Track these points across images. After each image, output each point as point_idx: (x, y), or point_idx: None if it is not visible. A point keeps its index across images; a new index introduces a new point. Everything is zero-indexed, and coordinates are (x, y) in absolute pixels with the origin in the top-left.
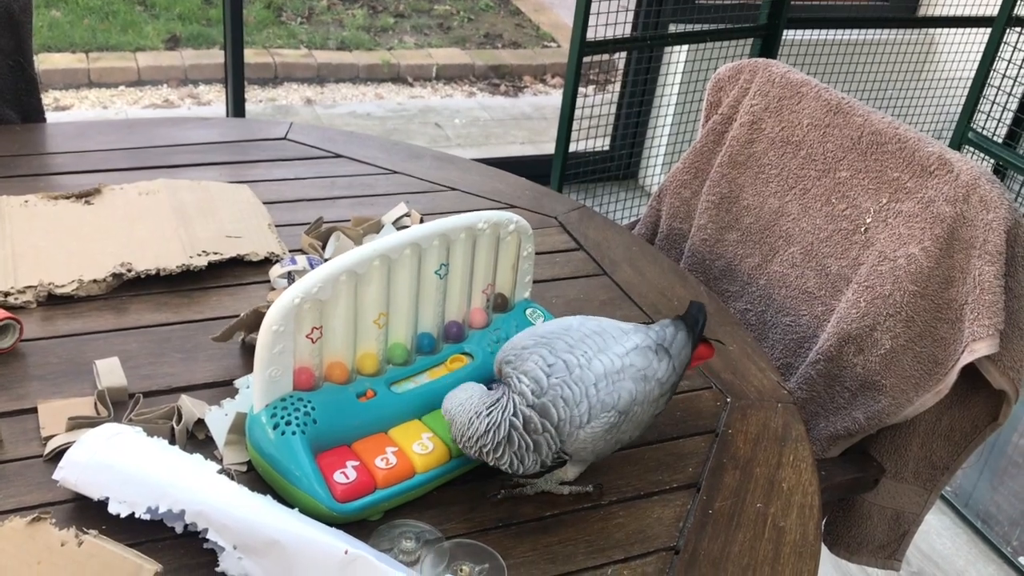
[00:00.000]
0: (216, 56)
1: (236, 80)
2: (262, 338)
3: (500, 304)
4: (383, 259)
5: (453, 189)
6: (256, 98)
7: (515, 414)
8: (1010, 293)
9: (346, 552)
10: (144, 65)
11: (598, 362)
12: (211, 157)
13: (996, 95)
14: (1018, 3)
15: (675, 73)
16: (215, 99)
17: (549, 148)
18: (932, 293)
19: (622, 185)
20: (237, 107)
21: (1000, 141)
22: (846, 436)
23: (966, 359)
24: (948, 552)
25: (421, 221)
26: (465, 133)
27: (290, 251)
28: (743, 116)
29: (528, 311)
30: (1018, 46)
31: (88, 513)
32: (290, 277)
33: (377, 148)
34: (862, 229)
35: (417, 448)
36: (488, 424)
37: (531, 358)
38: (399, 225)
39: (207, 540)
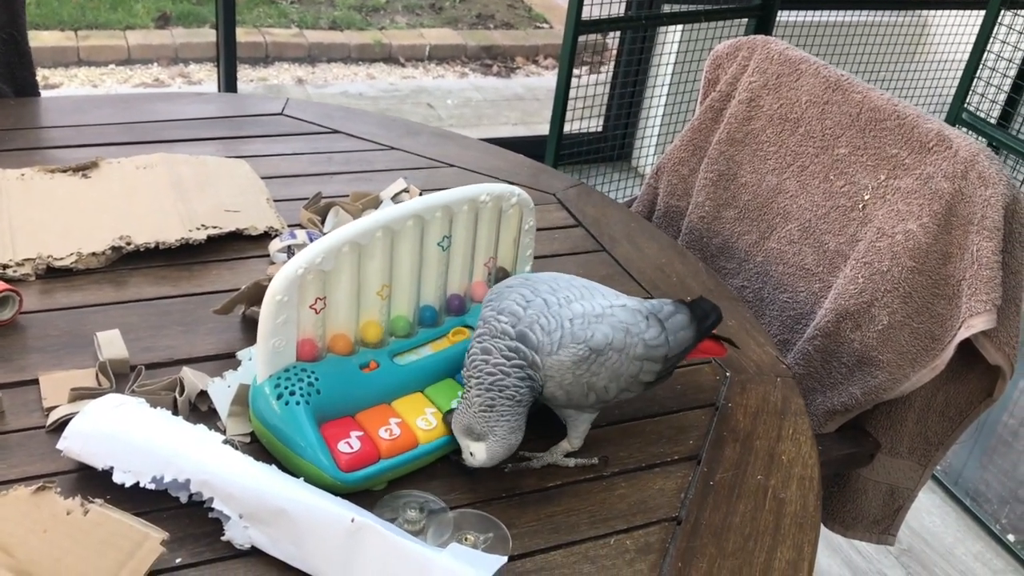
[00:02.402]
0: (206, 35)
1: (228, 59)
2: (266, 308)
3: (502, 277)
4: (386, 230)
5: (451, 166)
6: (247, 77)
7: (503, 350)
8: (1007, 269)
9: (352, 520)
10: (134, 44)
11: (578, 305)
12: (208, 132)
13: (991, 76)
14: None
15: (669, 53)
16: (206, 78)
17: (541, 129)
18: (930, 269)
19: (615, 166)
20: (229, 86)
21: (993, 122)
22: (843, 411)
23: (963, 334)
24: (938, 529)
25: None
26: (458, 114)
27: (289, 226)
28: (741, 93)
29: None
30: (1013, 27)
31: (92, 483)
32: (290, 251)
33: (375, 124)
34: (860, 206)
35: (420, 420)
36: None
37: (511, 296)
38: (398, 200)
39: (212, 510)
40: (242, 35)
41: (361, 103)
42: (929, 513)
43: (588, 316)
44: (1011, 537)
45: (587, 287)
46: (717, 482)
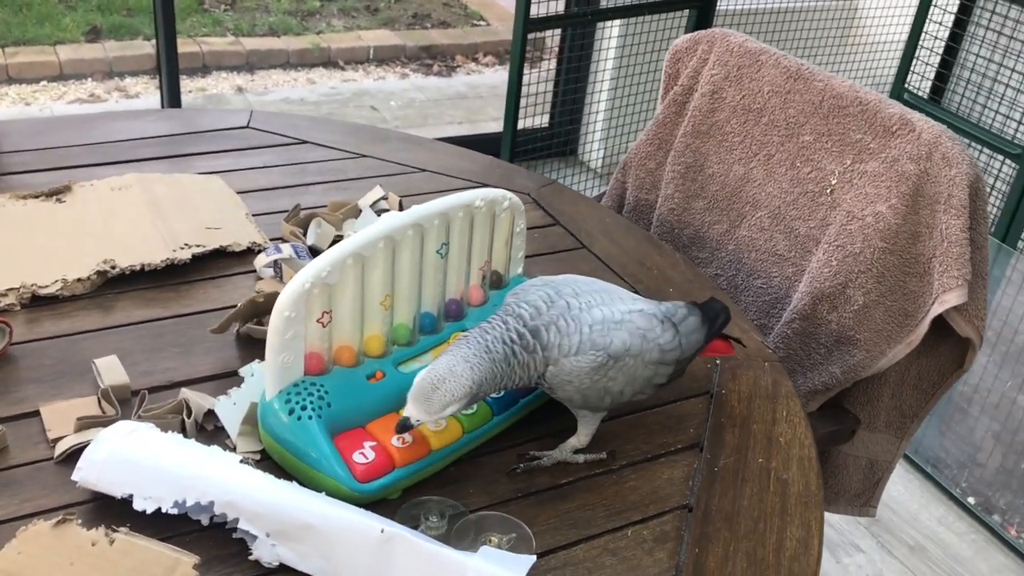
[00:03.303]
0: (140, 47)
1: (171, 70)
2: (274, 324)
3: (495, 281)
4: (388, 240)
5: (423, 170)
6: (185, 88)
7: (510, 330)
8: (973, 245)
9: (382, 531)
10: (65, 59)
11: (598, 310)
12: (175, 149)
13: (928, 56)
14: None
15: (608, 48)
16: (143, 91)
17: (488, 127)
18: (901, 249)
19: (565, 161)
20: (173, 98)
21: (926, 98)
22: (823, 391)
23: (937, 310)
24: (902, 497)
25: (400, 204)
26: (402, 115)
27: (271, 239)
28: (704, 86)
29: None
30: (947, 8)
31: (110, 512)
32: (276, 266)
33: (342, 132)
34: (828, 191)
35: (431, 425)
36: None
37: (536, 293)
38: (377, 208)
39: (236, 530)
40: (178, 46)
41: (303, 109)
42: (893, 482)
43: (608, 322)
44: (971, 500)
45: (606, 291)
46: (721, 468)
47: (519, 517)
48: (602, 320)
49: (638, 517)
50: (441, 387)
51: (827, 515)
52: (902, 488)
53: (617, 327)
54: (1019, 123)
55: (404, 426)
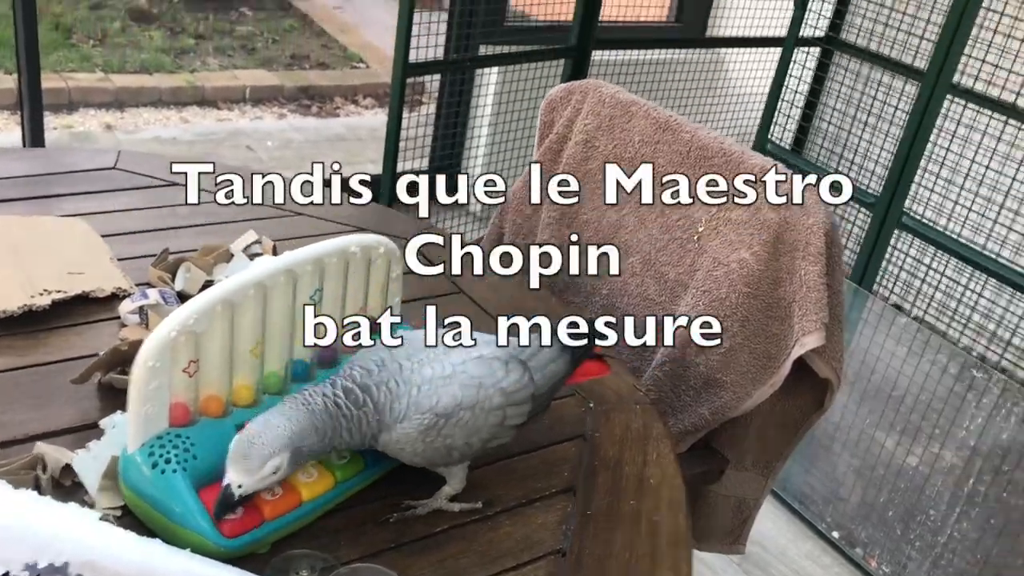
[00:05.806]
0: None
1: (34, 106)
2: (136, 375)
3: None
4: (258, 287)
5: (299, 214)
6: (49, 125)
7: (336, 387)
8: (830, 290)
9: None
10: None
11: (428, 368)
12: (39, 190)
13: (789, 109)
14: (803, 26)
15: (488, 95)
16: (2, 127)
17: (367, 169)
18: (763, 293)
19: (442, 205)
20: (35, 136)
21: (788, 148)
22: (693, 431)
23: (797, 352)
24: (772, 533)
25: (275, 250)
26: (279, 156)
27: (137, 285)
28: (577, 135)
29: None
30: (806, 64)
31: None
32: (142, 312)
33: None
34: (695, 238)
35: (302, 476)
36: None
37: (371, 356)
38: (250, 253)
39: None
40: (42, 81)
41: (175, 148)
42: (762, 519)
43: (436, 380)
44: (836, 534)
45: (449, 342)
46: (594, 511)
47: (392, 568)
48: (431, 378)
49: (512, 564)
50: (257, 441)
51: (700, 553)
52: (771, 524)
53: (447, 383)
54: (872, 173)
55: (226, 503)
